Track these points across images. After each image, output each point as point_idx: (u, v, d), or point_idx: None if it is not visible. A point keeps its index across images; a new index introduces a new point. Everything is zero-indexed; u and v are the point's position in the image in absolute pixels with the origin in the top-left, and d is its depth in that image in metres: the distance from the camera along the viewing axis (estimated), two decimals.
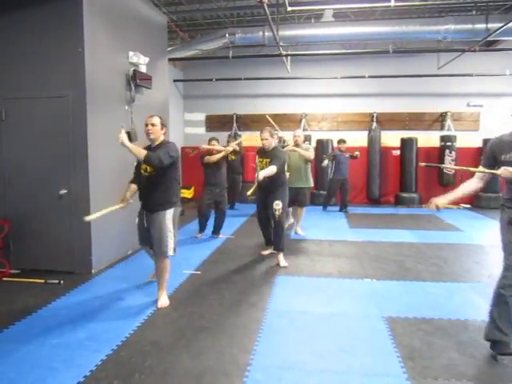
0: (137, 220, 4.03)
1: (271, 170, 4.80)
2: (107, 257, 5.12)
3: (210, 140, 6.65)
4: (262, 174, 4.70)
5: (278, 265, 5.15)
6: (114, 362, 2.84)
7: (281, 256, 5.21)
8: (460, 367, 2.78)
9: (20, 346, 3.08)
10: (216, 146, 6.46)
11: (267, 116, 7.90)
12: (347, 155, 9.01)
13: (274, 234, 5.22)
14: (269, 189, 5.03)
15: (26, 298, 4.03)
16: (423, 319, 3.54)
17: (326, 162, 8.81)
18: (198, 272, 4.86)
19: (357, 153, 8.92)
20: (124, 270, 4.93)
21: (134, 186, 4.06)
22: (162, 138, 3.84)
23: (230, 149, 6.54)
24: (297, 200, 6.57)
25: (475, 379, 2.66)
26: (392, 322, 3.47)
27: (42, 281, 4.45)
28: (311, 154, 6.47)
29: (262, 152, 5.17)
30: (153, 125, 3.77)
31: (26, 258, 4.89)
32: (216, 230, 6.76)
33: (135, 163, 4.00)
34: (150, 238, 3.89)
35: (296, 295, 4.18)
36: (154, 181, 3.74)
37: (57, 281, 4.43)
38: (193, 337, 3.22)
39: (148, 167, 3.71)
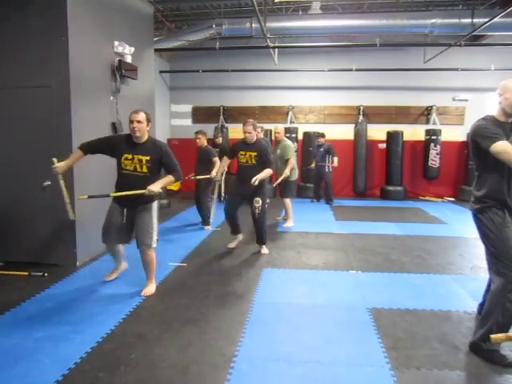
0: (112, 217, 3.83)
1: (267, 172, 4.96)
2: (92, 249, 5.06)
3: (197, 133, 6.61)
4: (257, 178, 4.77)
5: (259, 252, 5.36)
6: (99, 355, 2.83)
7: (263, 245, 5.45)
8: (442, 357, 2.84)
9: (4, 339, 3.04)
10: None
11: None
12: (322, 149, 9.13)
13: (256, 229, 5.33)
14: (249, 183, 4.80)
15: (10, 290, 3.98)
16: (407, 310, 3.60)
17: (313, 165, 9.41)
18: (184, 264, 4.85)
19: (329, 167, 9.04)
20: (109, 263, 4.86)
21: (80, 154, 3.85)
22: (147, 134, 3.75)
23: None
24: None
25: (457, 369, 2.71)
26: (376, 313, 3.52)
27: (26, 273, 4.39)
28: None
29: (245, 144, 5.09)
30: (139, 122, 3.60)
31: (9, 250, 4.82)
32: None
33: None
34: (127, 235, 3.89)
35: (282, 287, 4.20)
36: (144, 181, 3.65)
37: (41, 273, 4.38)
38: (179, 329, 3.23)
39: (140, 167, 3.65)
